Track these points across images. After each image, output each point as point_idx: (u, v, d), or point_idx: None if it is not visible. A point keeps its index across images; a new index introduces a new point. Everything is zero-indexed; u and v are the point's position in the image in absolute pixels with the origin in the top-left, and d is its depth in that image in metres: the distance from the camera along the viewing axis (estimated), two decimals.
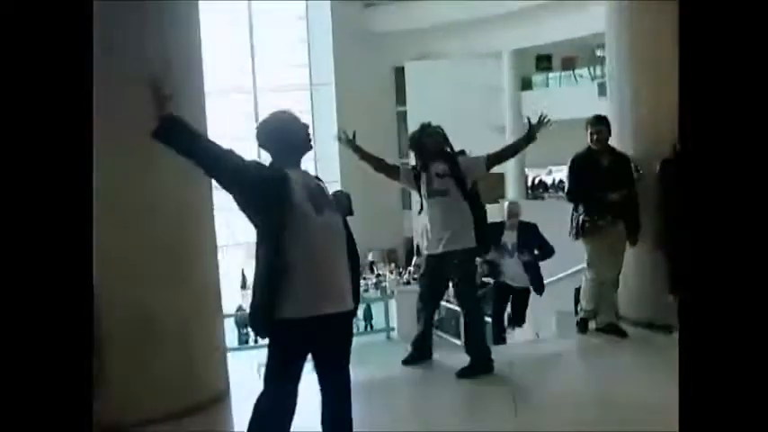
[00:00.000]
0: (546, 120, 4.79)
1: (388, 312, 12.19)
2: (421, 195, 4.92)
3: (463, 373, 4.76)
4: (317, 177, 3.18)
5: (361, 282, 24.65)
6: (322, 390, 3.08)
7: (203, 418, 4.22)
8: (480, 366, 4.77)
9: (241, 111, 22.28)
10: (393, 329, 11.44)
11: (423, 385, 4.90)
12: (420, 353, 5.14)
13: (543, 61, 24.14)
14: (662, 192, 5.36)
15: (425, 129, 4.97)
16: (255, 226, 2.91)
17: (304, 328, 2.85)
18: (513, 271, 6.75)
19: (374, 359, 8.16)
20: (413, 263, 20.29)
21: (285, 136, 3.02)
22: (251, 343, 11.80)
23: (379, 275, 23.94)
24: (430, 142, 4.89)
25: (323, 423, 3.09)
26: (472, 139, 26.07)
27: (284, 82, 24.07)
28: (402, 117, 26.16)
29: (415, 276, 24.15)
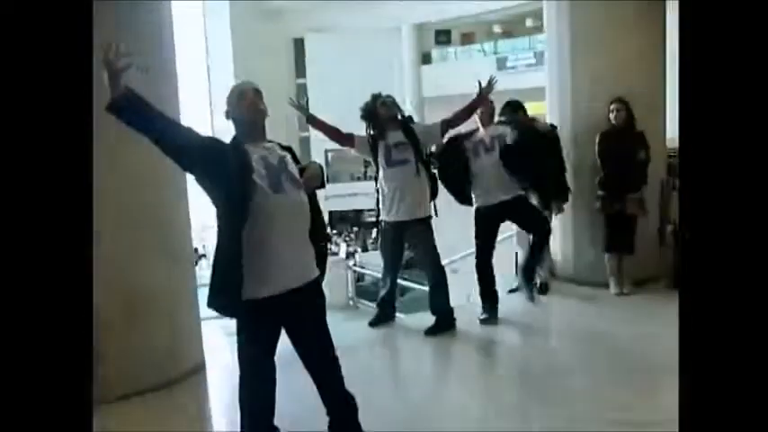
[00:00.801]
0: (495, 81, 4.96)
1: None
2: (378, 164, 4.98)
3: (430, 331, 4.92)
4: (287, 148, 3.04)
5: None
6: (309, 370, 2.98)
7: (185, 388, 4.20)
8: (445, 325, 4.95)
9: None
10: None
11: (395, 343, 5.07)
12: (386, 315, 5.26)
13: (442, 36, 24.54)
14: (599, 160, 5.65)
15: (378, 98, 5.00)
16: (216, 205, 2.78)
17: (271, 306, 2.79)
18: None
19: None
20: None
21: (241, 108, 2.88)
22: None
23: None
24: (384, 112, 4.93)
25: (324, 403, 3.03)
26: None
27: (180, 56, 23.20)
28: (302, 89, 25.95)
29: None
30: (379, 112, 4.90)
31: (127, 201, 4.00)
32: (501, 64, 22.80)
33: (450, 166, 5.14)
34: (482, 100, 4.93)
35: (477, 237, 5.21)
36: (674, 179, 5.91)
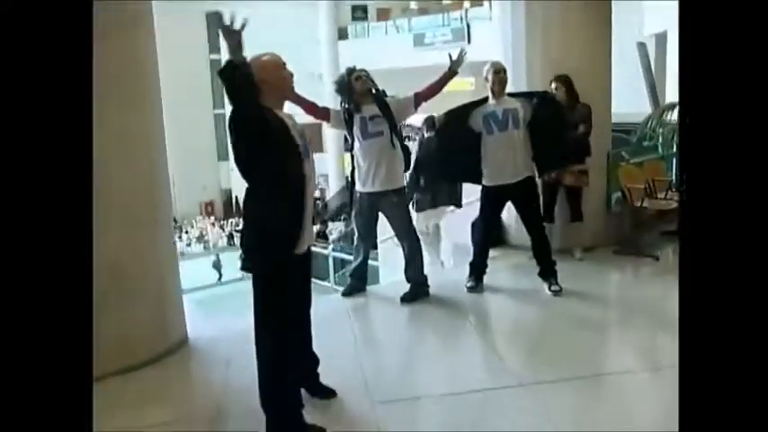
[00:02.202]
0: (464, 54, 5.12)
1: None
2: (353, 137, 5.08)
3: (405, 299, 5.11)
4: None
5: (184, 237, 23.76)
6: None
7: (172, 362, 4.23)
8: (420, 292, 5.16)
9: None
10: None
11: (373, 311, 5.24)
12: (359, 284, 5.41)
13: (359, 11, 24.55)
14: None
15: (352, 72, 5.07)
16: (263, 174, 2.96)
17: (300, 263, 3.17)
18: None
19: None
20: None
21: (269, 77, 3.02)
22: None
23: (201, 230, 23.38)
24: (359, 86, 5.00)
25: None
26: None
27: None
28: (216, 65, 25.36)
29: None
30: (354, 87, 4.98)
31: (106, 173, 3.94)
32: (418, 40, 23.11)
33: (457, 141, 5.19)
34: (452, 75, 5.07)
35: (481, 213, 5.33)
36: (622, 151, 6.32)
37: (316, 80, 24.16)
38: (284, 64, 3.12)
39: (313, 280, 8.93)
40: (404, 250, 5.25)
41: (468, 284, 5.30)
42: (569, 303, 4.97)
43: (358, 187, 5.12)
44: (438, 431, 3.44)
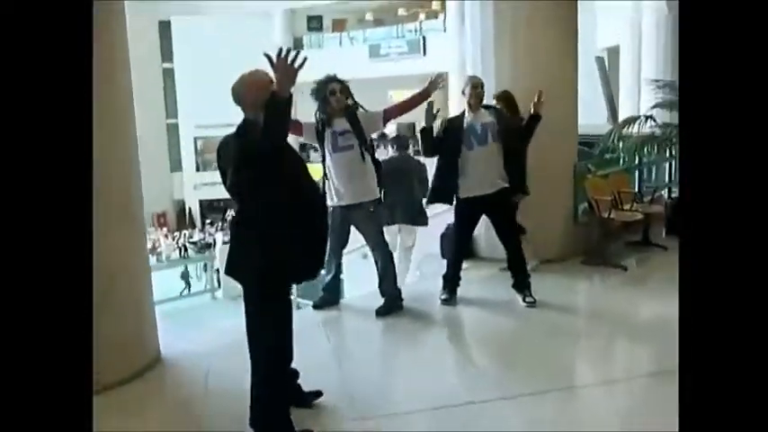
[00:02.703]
0: (441, 83, 5.11)
1: (210, 271, 11.88)
2: (324, 150, 5.05)
3: (380, 312, 5.08)
4: None
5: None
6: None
7: (150, 379, 4.11)
8: (394, 306, 5.13)
9: None
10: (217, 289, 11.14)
11: (346, 323, 5.20)
12: (331, 297, 5.35)
13: (314, 22, 24.53)
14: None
15: (331, 81, 4.97)
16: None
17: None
18: None
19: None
20: None
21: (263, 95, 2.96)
22: None
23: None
24: (334, 102, 4.90)
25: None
26: None
27: None
28: (168, 74, 25.05)
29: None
30: (330, 102, 4.94)
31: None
32: (374, 51, 23.23)
33: (444, 157, 5.18)
34: (425, 97, 5.00)
35: (456, 226, 5.32)
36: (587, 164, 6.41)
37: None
38: (271, 81, 2.96)
39: None
40: (377, 264, 5.22)
41: (443, 297, 5.30)
42: (544, 315, 4.99)
43: (330, 201, 5.07)
44: None
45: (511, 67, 6.19)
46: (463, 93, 5.18)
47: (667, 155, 7.55)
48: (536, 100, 5.07)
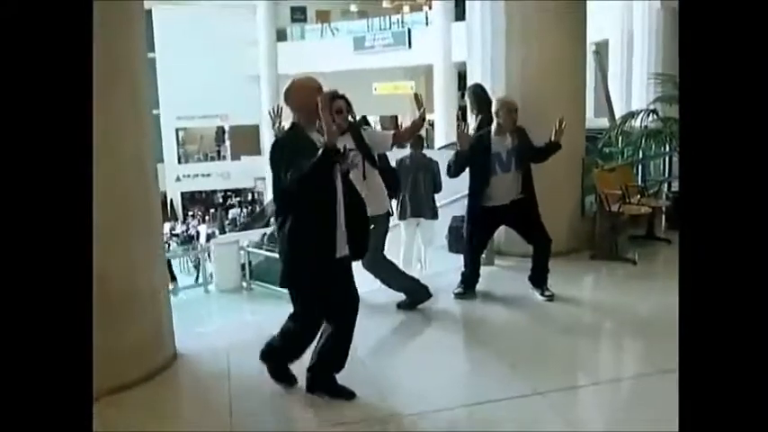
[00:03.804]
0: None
1: (203, 265, 11.72)
2: None
3: (402, 306, 5.08)
4: None
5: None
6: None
7: (168, 378, 4.04)
8: (417, 296, 5.09)
9: None
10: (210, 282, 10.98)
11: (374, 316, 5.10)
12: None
13: (298, 13, 24.34)
14: None
15: (333, 98, 4.78)
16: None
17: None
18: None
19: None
20: None
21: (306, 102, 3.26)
22: None
23: None
24: (339, 120, 4.56)
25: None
26: (226, 88, 25.65)
27: None
28: (150, 64, 24.68)
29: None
30: (337, 121, 4.81)
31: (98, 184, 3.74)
32: (358, 43, 23.10)
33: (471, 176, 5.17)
34: (423, 119, 4.86)
35: (473, 231, 5.29)
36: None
37: (252, 81, 23.90)
38: (319, 88, 3.29)
39: (269, 286, 8.74)
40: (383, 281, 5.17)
41: (457, 291, 5.27)
42: (563, 309, 4.99)
43: None
44: None
45: (521, 64, 6.15)
46: (497, 114, 5.08)
47: (668, 149, 7.59)
48: (557, 127, 5.05)
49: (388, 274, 5.15)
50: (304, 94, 3.24)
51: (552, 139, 5.07)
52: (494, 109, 5.14)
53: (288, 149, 3.21)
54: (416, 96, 4.88)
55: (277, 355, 3.70)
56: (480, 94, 5.94)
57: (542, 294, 5.14)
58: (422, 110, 4.74)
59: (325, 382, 3.58)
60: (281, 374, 3.73)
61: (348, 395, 3.56)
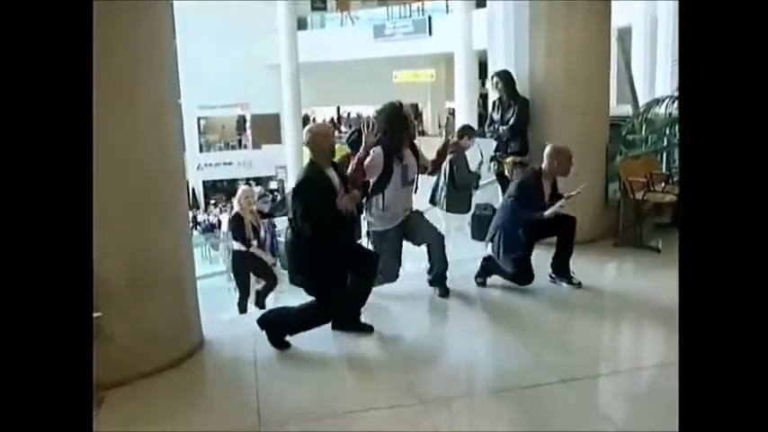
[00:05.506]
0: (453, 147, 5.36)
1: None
2: (386, 182, 4.82)
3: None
4: None
5: None
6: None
7: (193, 364, 4.09)
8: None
9: None
10: None
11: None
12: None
13: (318, 1, 24.29)
14: None
15: (401, 108, 4.85)
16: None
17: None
18: None
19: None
20: None
21: (321, 144, 4.20)
22: None
23: None
24: (411, 131, 5.04)
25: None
26: (247, 77, 25.61)
27: None
28: (172, 54, 24.77)
29: None
30: (409, 131, 4.99)
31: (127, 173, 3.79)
32: (378, 31, 23.03)
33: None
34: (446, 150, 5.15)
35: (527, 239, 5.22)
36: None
37: (273, 70, 23.92)
38: (332, 132, 4.41)
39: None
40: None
41: (479, 280, 5.28)
42: (587, 297, 5.01)
43: (377, 226, 4.92)
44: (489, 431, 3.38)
45: (545, 51, 6.11)
46: (552, 163, 5.06)
47: None
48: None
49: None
50: (322, 137, 4.12)
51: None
52: (548, 153, 5.08)
53: (309, 194, 4.02)
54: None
55: (290, 327, 4.22)
56: (510, 81, 6.09)
57: (570, 282, 5.14)
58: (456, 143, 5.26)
59: (349, 320, 4.32)
60: (280, 342, 4.18)
61: (369, 329, 4.34)
